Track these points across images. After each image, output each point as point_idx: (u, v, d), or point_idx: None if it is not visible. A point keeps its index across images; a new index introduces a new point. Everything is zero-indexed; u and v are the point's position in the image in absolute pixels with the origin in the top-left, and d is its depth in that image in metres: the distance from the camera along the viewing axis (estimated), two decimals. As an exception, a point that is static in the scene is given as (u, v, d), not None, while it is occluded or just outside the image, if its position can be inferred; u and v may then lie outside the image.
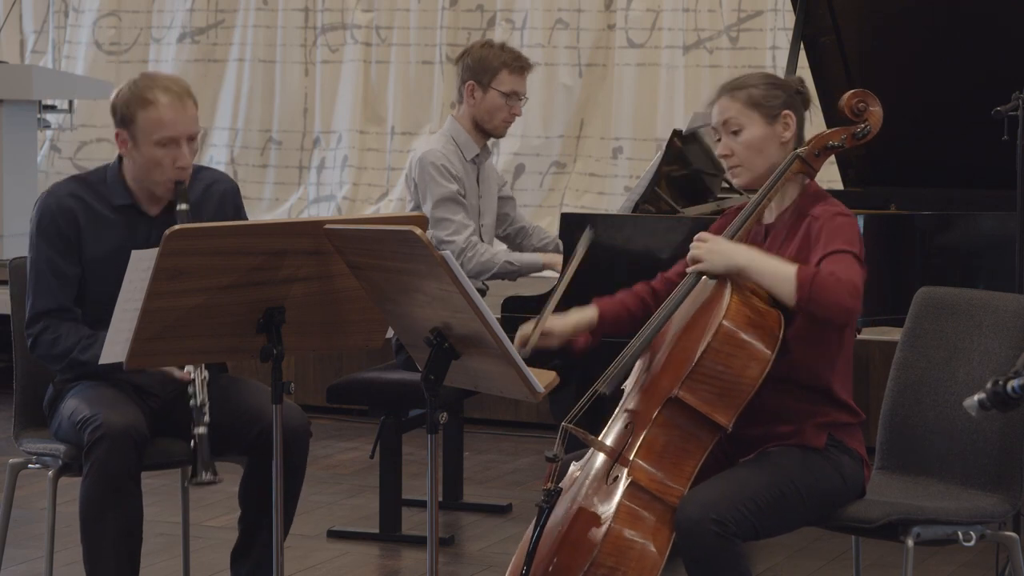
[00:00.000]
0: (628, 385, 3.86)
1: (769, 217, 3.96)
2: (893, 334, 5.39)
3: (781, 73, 5.79)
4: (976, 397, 2.83)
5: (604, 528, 3.64)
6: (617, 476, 3.70)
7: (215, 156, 10.18)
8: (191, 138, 4.32)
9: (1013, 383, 2.78)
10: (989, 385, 2.80)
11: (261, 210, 9.96)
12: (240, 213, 4.54)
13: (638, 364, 3.85)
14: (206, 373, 4.21)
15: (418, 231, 3.37)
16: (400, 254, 3.49)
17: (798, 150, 3.90)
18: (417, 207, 5.62)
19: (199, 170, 4.48)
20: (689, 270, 3.83)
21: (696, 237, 3.83)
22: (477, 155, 5.73)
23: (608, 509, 3.66)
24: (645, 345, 3.81)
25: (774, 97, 3.93)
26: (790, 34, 6.13)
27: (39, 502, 5.43)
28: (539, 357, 4.00)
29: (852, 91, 3.98)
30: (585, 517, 3.69)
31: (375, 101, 9.91)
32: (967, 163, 5.78)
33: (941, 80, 5.88)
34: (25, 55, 10.62)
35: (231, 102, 10.19)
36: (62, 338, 4.32)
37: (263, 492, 4.12)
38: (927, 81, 5.92)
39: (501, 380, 3.52)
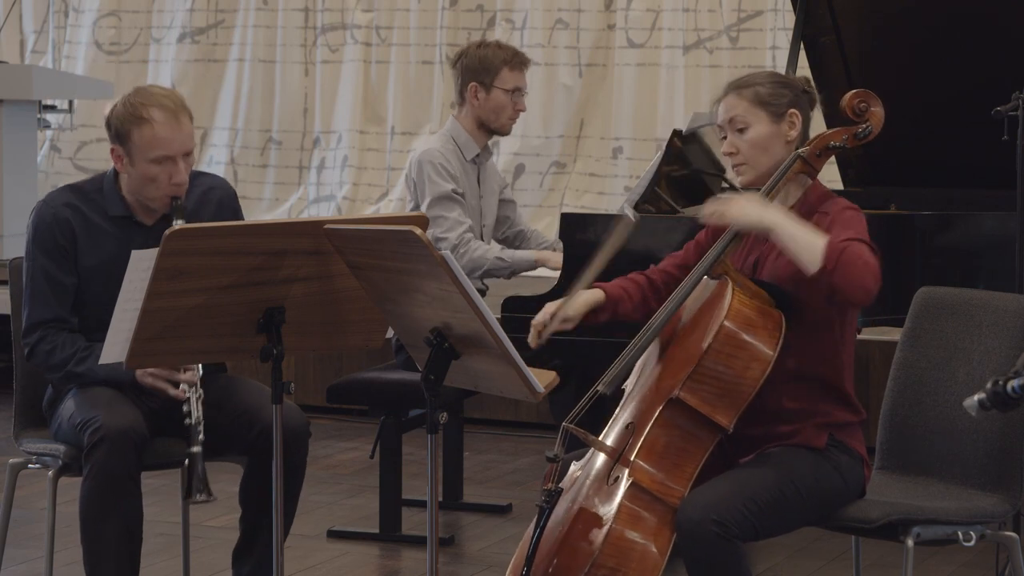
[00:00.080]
0: (629, 385, 3.86)
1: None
2: (893, 334, 5.39)
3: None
4: (976, 397, 2.83)
5: (605, 529, 3.63)
6: (618, 477, 3.70)
7: (215, 156, 10.16)
8: (187, 154, 4.31)
9: (1013, 383, 2.78)
10: (989, 385, 2.80)
11: (261, 210, 9.95)
12: (238, 217, 4.54)
13: (639, 364, 3.85)
14: (201, 391, 4.21)
15: (418, 231, 3.37)
16: (400, 254, 3.48)
17: (800, 150, 3.90)
18: (417, 207, 5.61)
19: (196, 175, 4.47)
20: (715, 221, 3.80)
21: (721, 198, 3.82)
22: (477, 155, 5.72)
23: (609, 510, 3.66)
24: (646, 345, 3.81)
25: (781, 96, 3.93)
26: (790, 34, 6.13)
27: (39, 502, 5.43)
28: (539, 357, 3.99)
29: (853, 91, 3.97)
30: (586, 518, 3.69)
31: (375, 101, 9.90)
32: (967, 163, 5.78)
33: (941, 80, 5.88)
34: (25, 55, 10.61)
35: (231, 102, 10.18)
36: (58, 349, 4.32)
37: (263, 492, 4.12)
38: (927, 81, 5.91)
39: (501, 380, 3.51)
